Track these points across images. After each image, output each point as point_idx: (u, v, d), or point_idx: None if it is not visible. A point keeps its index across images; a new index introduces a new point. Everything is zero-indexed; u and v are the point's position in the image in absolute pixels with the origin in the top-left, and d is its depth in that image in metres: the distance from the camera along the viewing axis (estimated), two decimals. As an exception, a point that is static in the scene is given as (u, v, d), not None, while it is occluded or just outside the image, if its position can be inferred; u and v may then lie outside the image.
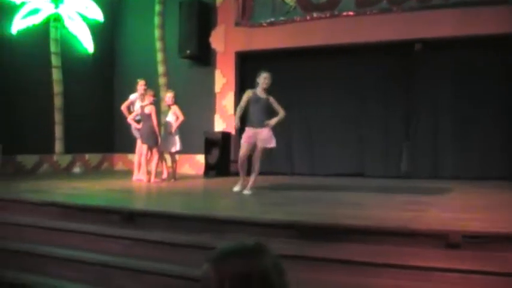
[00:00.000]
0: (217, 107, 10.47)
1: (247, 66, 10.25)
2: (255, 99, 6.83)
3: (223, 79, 10.43)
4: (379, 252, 4.02)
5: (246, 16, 10.24)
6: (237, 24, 10.26)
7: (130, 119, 8.60)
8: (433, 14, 8.78)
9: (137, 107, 8.65)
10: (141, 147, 8.48)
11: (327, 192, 7.34)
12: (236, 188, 7.02)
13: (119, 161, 11.75)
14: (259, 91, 6.86)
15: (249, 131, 6.83)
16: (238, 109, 6.97)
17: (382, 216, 4.89)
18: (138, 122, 8.57)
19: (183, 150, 8.94)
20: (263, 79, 6.81)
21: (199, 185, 8.77)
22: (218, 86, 10.46)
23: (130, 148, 10.22)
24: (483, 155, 8.98)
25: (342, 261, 3.97)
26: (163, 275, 4.30)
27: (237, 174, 7.54)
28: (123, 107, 8.79)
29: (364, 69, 9.74)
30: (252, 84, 7.61)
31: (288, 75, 9.79)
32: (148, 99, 8.34)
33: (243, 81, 10.19)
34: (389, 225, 4.31)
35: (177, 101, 8.72)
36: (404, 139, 9.58)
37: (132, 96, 8.79)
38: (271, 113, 6.92)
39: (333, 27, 9.49)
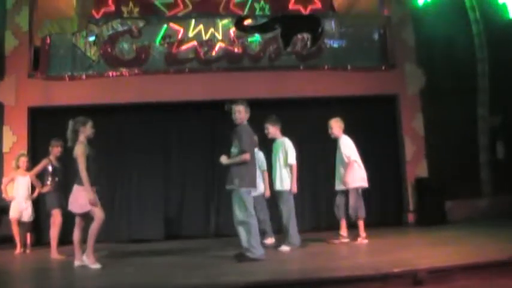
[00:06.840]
0: (5, 169, 8.90)
1: (43, 123, 9.13)
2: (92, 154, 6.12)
3: (13, 137, 9.04)
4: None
5: (42, 68, 9.22)
6: (30, 75, 9.16)
7: None
8: (242, 75, 9.15)
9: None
10: None
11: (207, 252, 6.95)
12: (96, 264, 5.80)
13: None
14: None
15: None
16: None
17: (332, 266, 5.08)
18: None
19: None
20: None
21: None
22: (7, 146, 8.99)
23: None
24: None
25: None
26: None
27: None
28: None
29: (174, 127, 9.54)
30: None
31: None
32: None
33: (37, 141, 9.02)
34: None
35: None
36: (211, 197, 9.44)
37: None
38: None
39: (141, 84, 9.21)
